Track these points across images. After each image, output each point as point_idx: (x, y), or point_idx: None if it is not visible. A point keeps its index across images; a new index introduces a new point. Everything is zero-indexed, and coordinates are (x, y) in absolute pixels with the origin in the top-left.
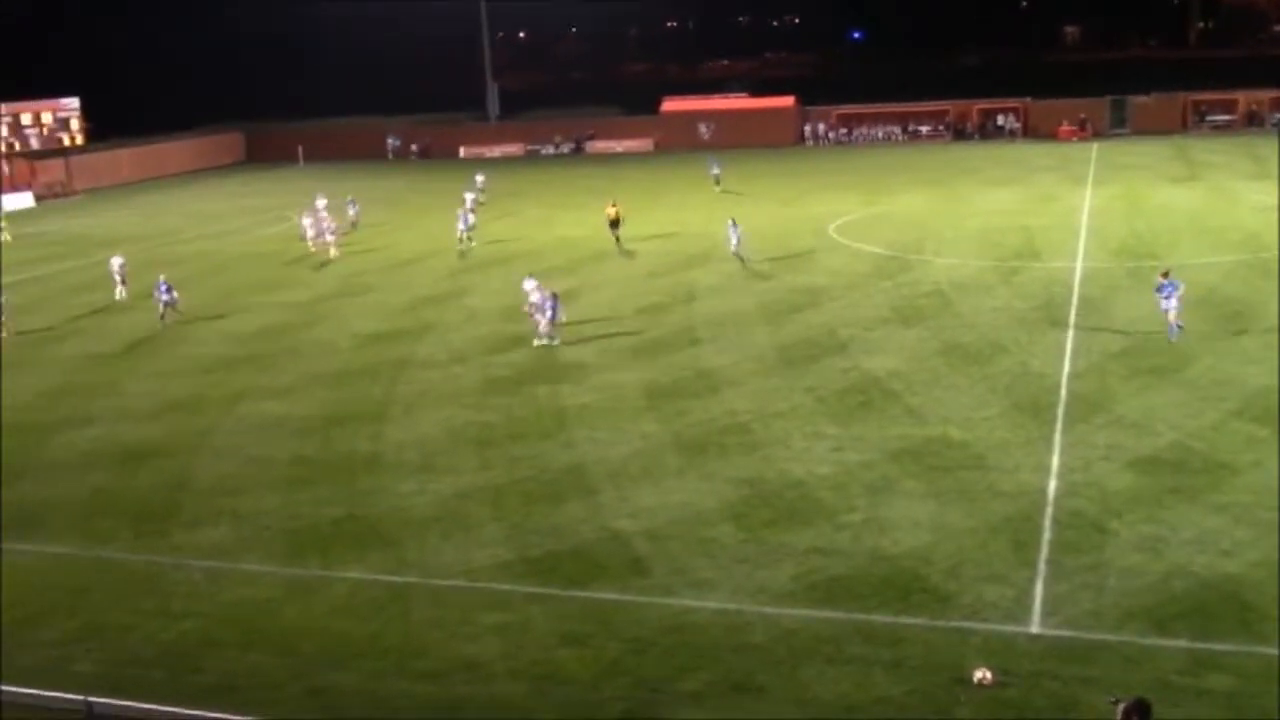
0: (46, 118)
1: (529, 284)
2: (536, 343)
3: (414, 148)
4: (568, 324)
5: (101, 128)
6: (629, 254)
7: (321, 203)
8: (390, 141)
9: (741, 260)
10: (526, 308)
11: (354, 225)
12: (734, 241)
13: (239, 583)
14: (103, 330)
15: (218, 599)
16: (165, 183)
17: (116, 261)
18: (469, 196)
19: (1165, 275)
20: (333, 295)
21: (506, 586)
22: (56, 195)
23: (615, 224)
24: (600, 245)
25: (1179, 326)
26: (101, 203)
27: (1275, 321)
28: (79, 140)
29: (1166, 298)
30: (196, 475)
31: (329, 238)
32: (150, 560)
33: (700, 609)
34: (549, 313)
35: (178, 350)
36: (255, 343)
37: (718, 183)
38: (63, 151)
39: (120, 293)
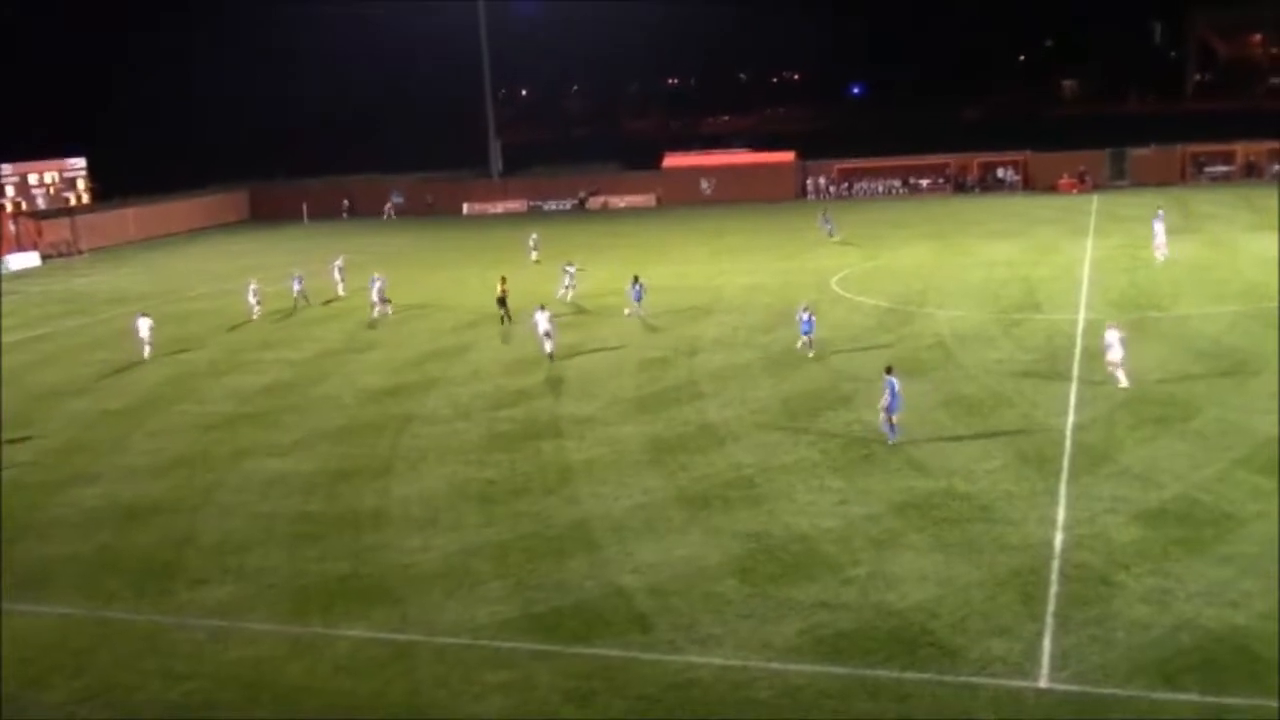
0: (53, 177)
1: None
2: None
3: (345, 202)
4: (570, 354)
5: (107, 187)
6: (512, 329)
7: (339, 262)
8: (393, 201)
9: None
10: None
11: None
12: (633, 299)
13: (243, 641)
14: (110, 387)
15: (221, 658)
16: (171, 241)
17: (145, 323)
18: (570, 269)
19: (888, 371)
20: (337, 351)
21: (510, 644)
22: (63, 254)
23: (502, 301)
24: (603, 300)
25: (894, 429)
26: (107, 261)
27: (1278, 372)
28: (85, 200)
29: (892, 394)
30: (201, 532)
31: (376, 299)
32: (154, 620)
33: (705, 665)
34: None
35: (183, 408)
36: (260, 399)
37: (831, 234)
38: (69, 211)
39: (147, 352)
